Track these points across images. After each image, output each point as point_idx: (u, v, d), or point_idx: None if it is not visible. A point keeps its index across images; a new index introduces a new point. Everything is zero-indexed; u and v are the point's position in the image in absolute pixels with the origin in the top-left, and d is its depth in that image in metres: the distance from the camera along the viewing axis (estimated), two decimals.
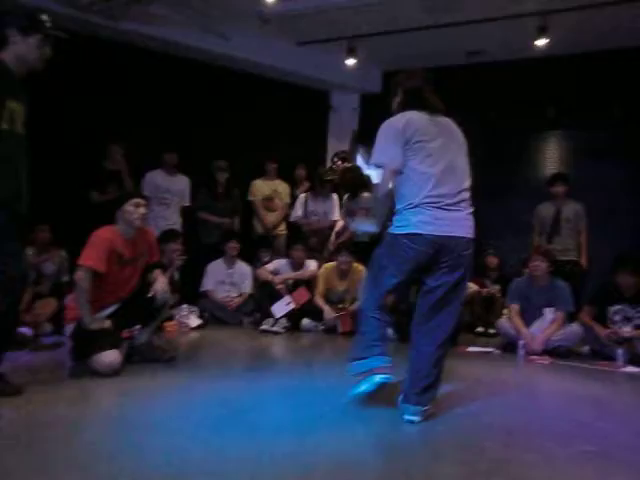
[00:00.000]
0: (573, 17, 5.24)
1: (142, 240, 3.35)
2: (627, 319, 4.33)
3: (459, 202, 2.34)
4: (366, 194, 5.52)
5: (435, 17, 5.53)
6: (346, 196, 5.69)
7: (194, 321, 4.92)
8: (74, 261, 3.27)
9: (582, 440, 2.24)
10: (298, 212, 5.75)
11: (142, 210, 3.24)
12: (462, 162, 2.43)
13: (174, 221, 5.52)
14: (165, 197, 5.55)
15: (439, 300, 2.35)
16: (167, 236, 4.80)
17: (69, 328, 3.17)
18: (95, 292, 3.09)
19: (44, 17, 2.54)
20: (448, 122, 2.46)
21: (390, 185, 2.39)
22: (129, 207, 3.21)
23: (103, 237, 3.12)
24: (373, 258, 2.50)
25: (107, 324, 3.09)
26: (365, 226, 2.82)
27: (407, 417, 2.35)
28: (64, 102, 5.25)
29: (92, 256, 3.05)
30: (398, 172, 2.34)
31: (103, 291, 3.14)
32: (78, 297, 3.07)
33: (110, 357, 2.93)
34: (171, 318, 4.71)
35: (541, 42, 5.47)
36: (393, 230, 2.39)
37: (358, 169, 5.46)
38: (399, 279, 2.37)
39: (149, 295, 3.27)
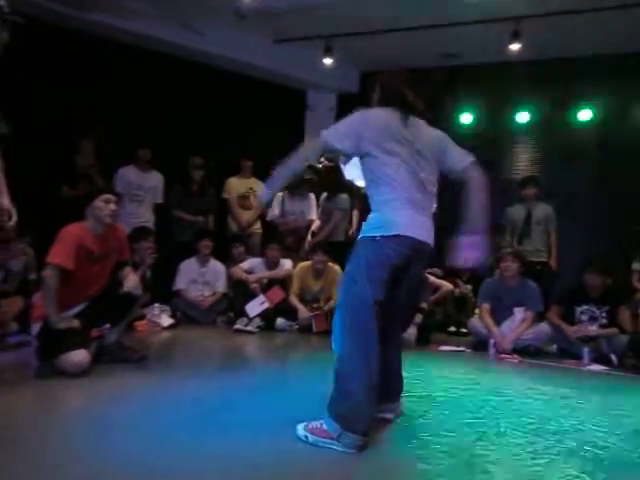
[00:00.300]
0: (545, 22, 5.33)
1: (112, 237, 3.29)
2: (593, 319, 4.44)
3: (426, 208, 2.26)
4: (344, 195, 5.55)
5: (412, 19, 5.56)
6: (324, 196, 5.70)
7: (166, 320, 4.85)
8: (41, 258, 3.19)
9: (548, 437, 2.29)
10: (275, 211, 5.73)
11: (112, 206, 3.18)
12: (428, 170, 2.27)
13: (147, 218, 5.45)
14: (138, 194, 5.47)
15: (405, 307, 2.39)
16: (138, 233, 4.73)
17: (35, 327, 3.09)
18: (63, 290, 3.01)
19: (1, 2, 2.47)
20: (423, 125, 2.32)
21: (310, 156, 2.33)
22: (99, 203, 3.15)
23: (72, 233, 3.05)
24: (348, 278, 2.16)
25: (75, 323, 3.02)
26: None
27: (382, 415, 2.37)
28: (34, 95, 5.10)
29: (60, 253, 2.98)
30: (326, 151, 2.32)
31: (72, 289, 3.07)
32: (45, 296, 2.99)
33: (78, 356, 2.87)
34: (142, 317, 4.64)
35: (515, 46, 5.54)
36: (371, 233, 2.15)
37: (340, 170, 5.47)
38: (383, 288, 2.10)
39: (121, 292, 3.21)
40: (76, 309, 3.15)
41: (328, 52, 6.16)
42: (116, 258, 3.33)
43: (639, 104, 6.06)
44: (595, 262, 4.53)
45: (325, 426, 2.04)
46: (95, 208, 3.14)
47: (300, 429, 2.11)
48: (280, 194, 5.79)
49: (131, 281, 3.26)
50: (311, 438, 2.06)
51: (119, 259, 3.35)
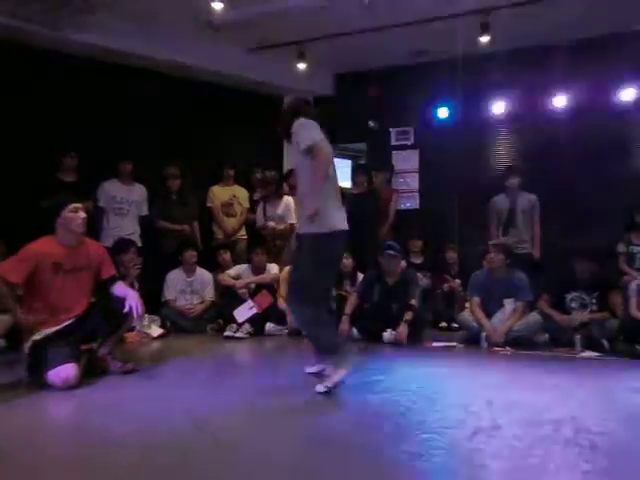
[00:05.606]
0: (513, 13, 5.34)
1: (88, 252, 3.22)
2: (583, 306, 4.47)
3: None
4: None
5: (379, 19, 5.58)
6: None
7: (156, 331, 4.81)
8: None
9: (544, 427, 2.28)
10: (259, 218, 5.73)
11: (82, 214, 3.10)
12: None
13: (132, 231, 5.38)
14: (122, 207, 5.41)
15: None
16: (120, 246, 4.70)
17: (25, 345, 3.03)
18: (38, 305, 3.00)
19: None
20: None
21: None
22: (68, 214, 3.06)
23: (31, 249, 3.00)
24: (304, 272, 2.81)
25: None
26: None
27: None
28: (15, 114, 5.06)
29: (8, 266, 2.98)
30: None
31: (46, 303, 3.04)
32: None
33: (67, 371, 2.83)
34: (132, 328, 4.57)
35: (484, 39, 5.55)
36: (320, 230, 2.70)
37: None
38: (333, 283, 2.88)
39: (125, 310, 3.12)
40: (63, 325, 3.09)
41: (301, 57, 6.17)
42: (99, 275, 3.28)
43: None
44: (583, 249, 4.58)
45: (334, 367, 2.72)
46: (65, 219, 3.06)
47: (320, 387, 2.67)
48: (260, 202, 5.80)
49: (133, 299, 3.14)
50: (331, 384, 2.68)
51: (106, 275, 3.29)
